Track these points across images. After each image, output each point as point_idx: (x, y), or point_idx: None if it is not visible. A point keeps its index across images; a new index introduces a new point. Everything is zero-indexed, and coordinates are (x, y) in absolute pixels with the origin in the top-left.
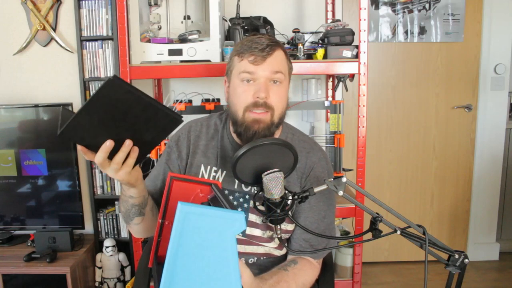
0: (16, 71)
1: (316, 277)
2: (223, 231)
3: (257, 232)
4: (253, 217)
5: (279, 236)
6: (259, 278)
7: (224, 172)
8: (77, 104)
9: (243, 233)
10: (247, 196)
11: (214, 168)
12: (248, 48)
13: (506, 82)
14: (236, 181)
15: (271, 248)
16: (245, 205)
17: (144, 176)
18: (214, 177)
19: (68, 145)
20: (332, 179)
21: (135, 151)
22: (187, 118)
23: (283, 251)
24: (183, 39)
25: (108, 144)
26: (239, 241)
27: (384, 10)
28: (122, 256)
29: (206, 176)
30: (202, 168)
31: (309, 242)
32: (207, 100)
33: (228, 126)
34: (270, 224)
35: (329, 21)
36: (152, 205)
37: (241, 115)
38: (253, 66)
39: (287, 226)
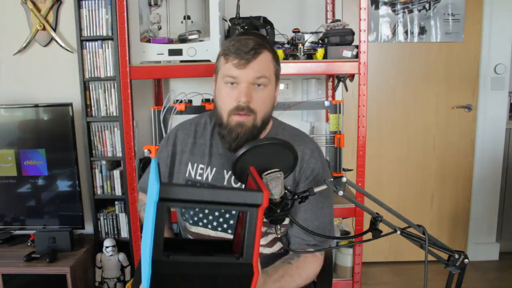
0: (16, 71)
1: (319, 268)
2: (150, 196)
3: None
4: None
5: (279, 236)
6: (264, 273)
7: (214, 169)
8: (77, 104)
9: (233, 230)
10: None
11: (201, 166)
12: (233, 50)
13: (506, 82)
14: (226, 178)
15: (261, 245)
16: None
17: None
18: (201, 174)
19: (69, 147)
20: (332, 179)
21: None
22: (187, 118)
23: (273, 249)
24: (183, 39)
25: None
26: None
27: (384, 10)
28: (122, 256)
29: (193, 174)
30: (189, 166)
31: (307, 241)
32: (207, 100)
33: None
34: (271, 225)
35: (329, 21)
36: None
37: (226, 119)
38: (237, 70)
39: None
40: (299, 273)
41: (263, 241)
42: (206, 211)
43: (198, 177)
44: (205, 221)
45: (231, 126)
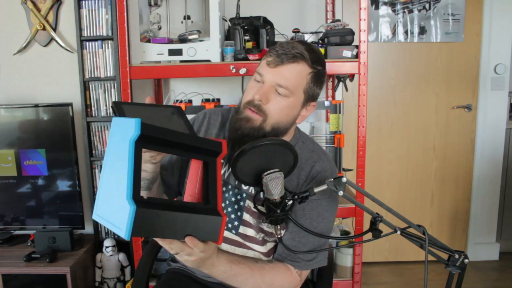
0: (16, 71)
1: (291, 285)
2: (124, 137)
3: (250, 232)
4: (247, 217)
5: (279, 236)
6: (221, 251)
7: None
8: (77, 104)
9: (236, 231)
10: (244, 195)
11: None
12: (275, 48)
13: (506, 82)
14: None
15: (260, 253)
16: (241, 203)
17: None
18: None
19: (69, 147)
20: (332, 179)
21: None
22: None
23: (271, 258)
24: (183, 39)
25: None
26: (231, 242)
27: (384, 10)
28: (122, 256)
29: None
30: None
31: (291, 255)
32: (207, 100)
33: None
34: (268, 227)
35: (329, 21)
36: (160, 181)
37: (240, 109)
38: (266, 68)
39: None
40: (261, 273)
41: (263, 249)
42: None
43: None
44: None
45: (240, 117)
